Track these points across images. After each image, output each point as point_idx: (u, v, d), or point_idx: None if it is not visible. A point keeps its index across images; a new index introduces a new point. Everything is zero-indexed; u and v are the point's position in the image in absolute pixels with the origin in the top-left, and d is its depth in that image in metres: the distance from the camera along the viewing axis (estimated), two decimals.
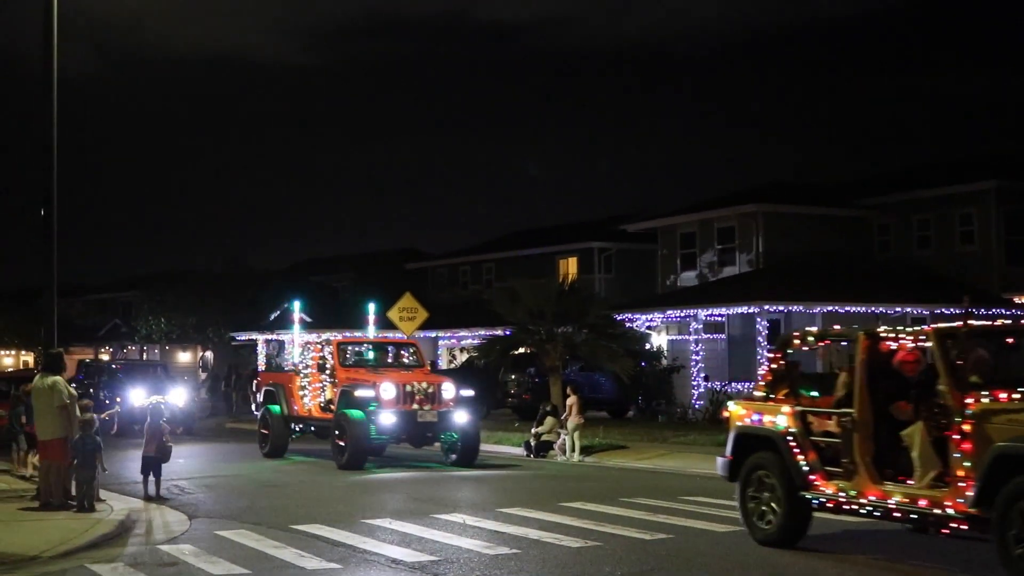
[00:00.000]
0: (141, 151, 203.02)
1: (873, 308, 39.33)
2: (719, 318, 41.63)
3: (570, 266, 55.47)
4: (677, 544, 14.91)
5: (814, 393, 15.46)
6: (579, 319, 35.69)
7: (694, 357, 40.53)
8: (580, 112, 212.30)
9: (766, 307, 38.07)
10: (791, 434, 14.44)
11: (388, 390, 25.73)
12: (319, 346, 28.75)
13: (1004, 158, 48.73)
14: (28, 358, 73.26)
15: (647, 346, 43.12)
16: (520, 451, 29.81)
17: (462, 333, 55.86)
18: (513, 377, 41.91)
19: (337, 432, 25.84)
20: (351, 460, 25.19)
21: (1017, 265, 42.49)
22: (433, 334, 56.32)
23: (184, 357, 70.20)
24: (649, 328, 44.53)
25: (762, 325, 38.00)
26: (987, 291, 40.86)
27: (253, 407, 31.41)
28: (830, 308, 38.84)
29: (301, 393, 28.81)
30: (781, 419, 14.64)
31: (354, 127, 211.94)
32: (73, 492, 18.18)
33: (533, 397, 38.56)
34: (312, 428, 28.82)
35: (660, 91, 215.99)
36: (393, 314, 36.24)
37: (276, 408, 29.30)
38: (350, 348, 29.14)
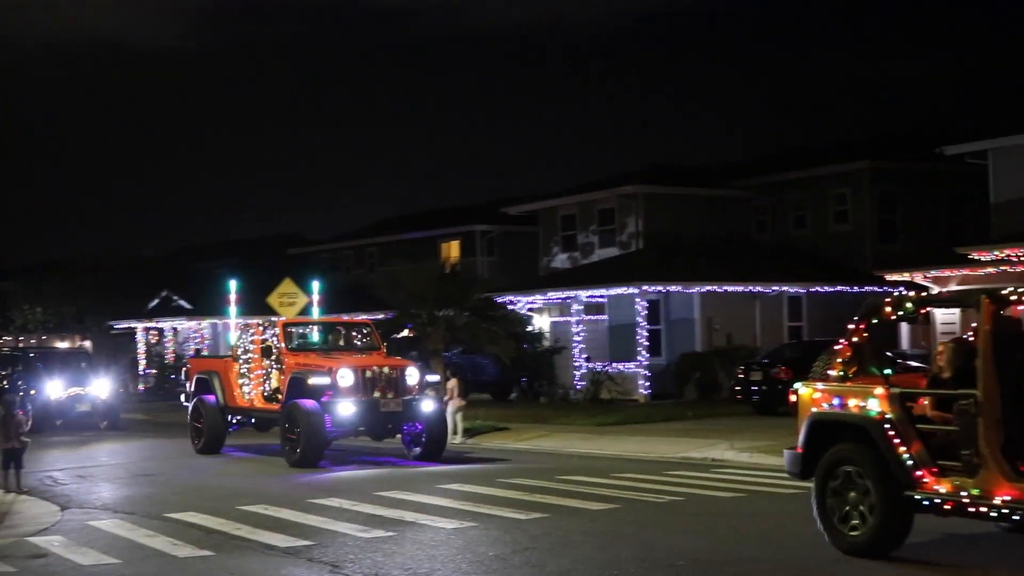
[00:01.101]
0: (16, 138, 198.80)
1: (751, 287, 39.91)
2: (600, 299, 41.94)
3: (452, 249, 55.50)
4: (552, 523, 15.01)
5: (887, 371, 12.91)
6: (460, 302, 35.70)
7: (575, 338, 40.81)
8: (464, 96, 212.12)
9: (645, 287, 38.44)
10: (889, 421, 11.93)
11: (345, 376, 22.89)
12: (260, 328, 25.64)
13: (877, 140, 49.74)
14: None
15: (529, 328, 43.32)
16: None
17: (344, 317, 55.57)
18: None
19: (288, 425, 22.81)
20: (305, 456, 22.29)
21: (889, 243, 43.39)
22: (315, 319, 55.96)
23: (62, 347, 68.94)
24: (531, 310, 44.74)
25: (641, 305, 38.40)
26: (861, 269, 41.68)
27: (183, 398, 28.69)
28: (708, 288, 39.36)
29: (240, 381, 25.89)
30: (873, 403, 12.14)
31: (236, 112, 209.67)
32: None
33: None
34: (252, 420, 26.21)
35: (544, 74, 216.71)
36: (272, 299, 35.88)
37: (211, 398, 26.37)
38: (296, 330, 25.90)
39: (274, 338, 24.82)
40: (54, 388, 35.85)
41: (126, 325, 60.15)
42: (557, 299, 43.41)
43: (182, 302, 57.42)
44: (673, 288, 39.49)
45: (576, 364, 40.23)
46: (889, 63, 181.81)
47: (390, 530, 14.65)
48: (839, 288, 40.50)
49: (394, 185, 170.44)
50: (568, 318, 42.80)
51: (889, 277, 38.34)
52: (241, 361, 25.89)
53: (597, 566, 12.24)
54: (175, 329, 57.87)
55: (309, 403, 22.58)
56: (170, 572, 12.70)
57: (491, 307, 37.87)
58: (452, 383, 28.43)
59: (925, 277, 36.84)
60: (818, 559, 12.27)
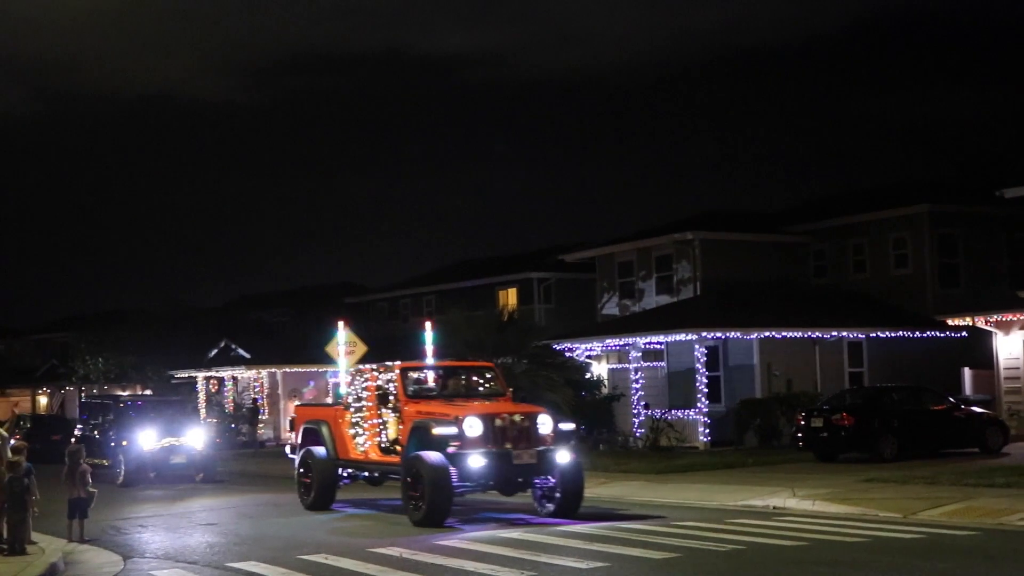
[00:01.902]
0: (78, 190, 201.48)
1: (810, 333, 39.60)
2: (658, 346, 41.77)
3: (510, 297, 55.57)
4: (614, 572, 14.88)
5: None
6: (518, 350, 35.82)
7: (634, 385, 40.62)
8: (518, 143, 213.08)
9: (704, 334, 38.22)
10: None
11: (474, 426, 20.65)
12: (375, 374, 23.35)
13: (936, 182, 49.39)
14: None
15: (587, 375, 43.22)
16: None
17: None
18: None
19: (410, 480, 20.70)
20: (431, 514, 20.18)
21: (950, 287, 43.01)
22: (374, 367, 56.08)
23: (155, 395, 69.53)
24: (589, 357, 44.62)
25: (700, 352, 38.15)
26: (921, 313, 41.29)
27: (288, 449, 26.41)
28: (767, 334, 39.07)
29: (353, 431, 23.63)
30: None
31: (290, 163, 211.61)
32: (4, 535, 17.92)
33: None
34: (366, 474, 23.81)
35: (597, 122, 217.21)
36: (331, 348, 36.04)
37: (320, 450, 24.18)
38: (415, 375, 23.72)
39: (391, 384, 22.53)
40: (147, 439, 33.77)
41: (186, 374, 60.59)
42: (615, 346, 43.28)
43: (241, 351, 57.78)
44: (732, 334, 39.25)
45: (635, 411, 40.02)
46: (947, 104, 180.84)
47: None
48: (900, 333, 40.11)
49: (451, 233, 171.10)
50: (626, 365, 42.65)
51: (950, 321, 37.93)
52: (353, 410, 23.75)
53: None
54: (235, 378, 58.20)
55: (434, 456, 20.39)
56: None
57: (549, 354, 37.88)
58: None
59: (987, 321, 36.41)
60: None
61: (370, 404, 23.13)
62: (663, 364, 42.25)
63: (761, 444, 37.21)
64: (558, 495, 21.30)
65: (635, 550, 16.69)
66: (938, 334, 39.81)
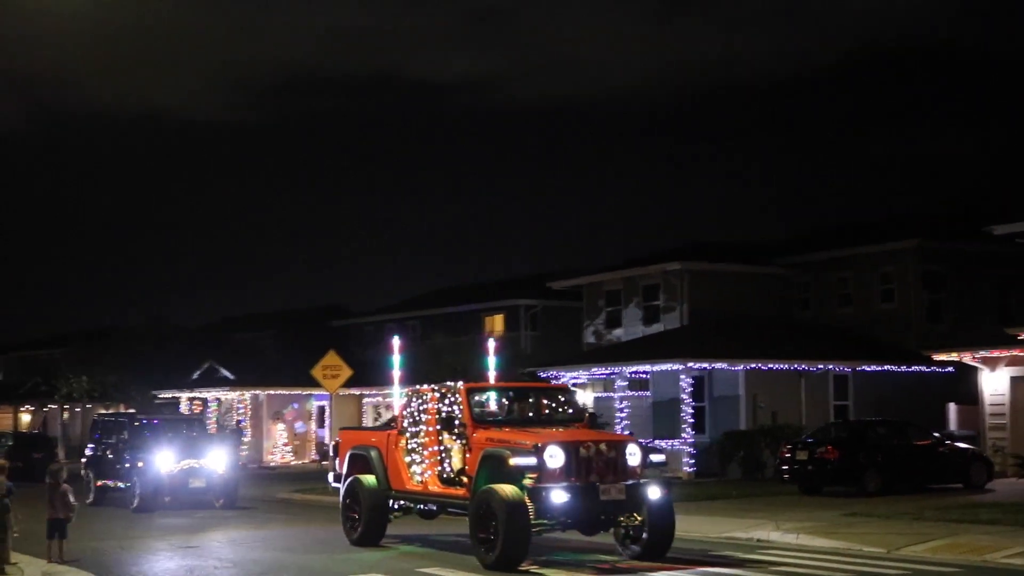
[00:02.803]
0: (63, 207, 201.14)
1: (796, 365, 39.60)
2: (644, 375, 41.75)
3: (496, 323, 55.54)
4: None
5: None
6: (504, 377, 35.64)
7: (619, 414, 40.56)
8: (509, 170, 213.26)
9: (690, 364, 38.20)
10: None
11: (556, 456, 18.02)
12: (436, 395, 20.65)
13: (923, 218, 49.52)
14: None
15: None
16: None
17: (387, 390, 55.68)
18: None
19: (480, 516, 18.10)
20: (506, 557, 17.66)
21: (936, 323, 43.10)
22: (358, 392, 56.14)
23: (171, 413, 69.35)
24: (574, 385, 44.54)
25: (686, 382, 38.13)
26: (908, 349, 41.33)
27: (331, 478, 23.78)
28: (753, 365, 39.06)
29: (409, 459, 21.02)
30: None
31: (278, 185, 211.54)
32: None
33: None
34: (423, 507, 21.28)
35: (588, 150, 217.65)
36: (316, 372, 36.01)
37: (370, 479, 21.68)
38: (482, 396, 21.24)
39: (456, 407, 19.97)
40: (164, 460, 31.22)
41: (170, 394, 60.40)
42: (601, 374, 43.24)
43: (225, 372, 57.63)
44: (718, 365, 39.24)
45: None
46: (936, 140, 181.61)
47: None
48: (886, 367, 40.15)
49: (438, 258, 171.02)
50: (612, 394, 42.60)
51: (936, 356, 37.97)
52: (409, 435, 21.11)
53: None
54: (219, 399, 58.04)
55: (509, 490, 17.76)
56: None
57: (535, 382, 37.77)
58: None
59: (973, 357, 36.44)
60: None
61: (429, 429, 20.44)
62: (648, 393, 42.22)
63: (745, 476, 37.16)
64: (645, 535, 18.71)
65: None
66: (924, 369, 39.84)
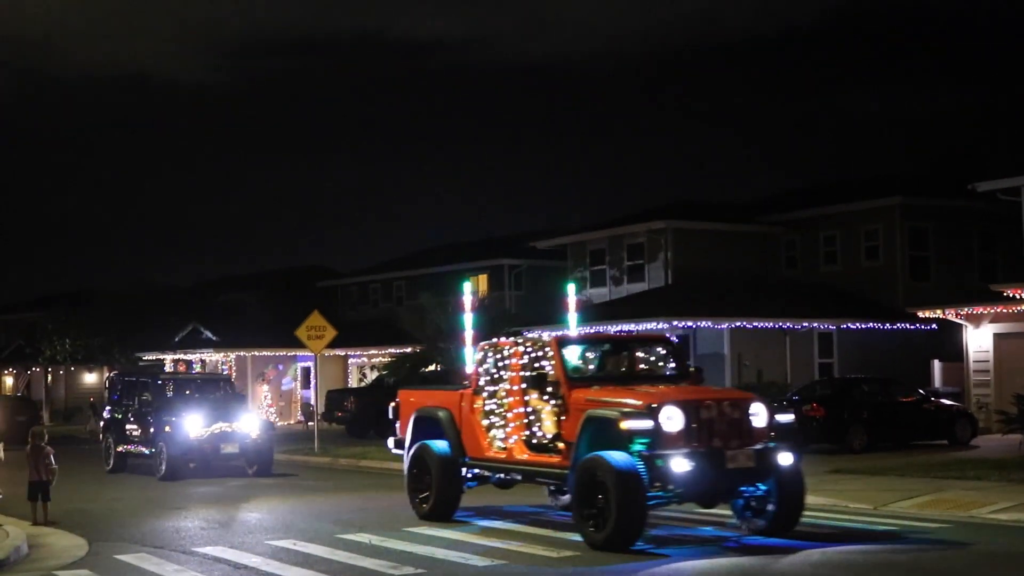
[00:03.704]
0: (45, 168, 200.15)
1: (780, 323, 39.65)
2: (628, 334, 41.70)
3: (480, 283, 55.44)
4: (585, 560, 14.79)
5: None
6: (489, 336, 35.53)
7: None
8: (490, 129, 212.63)
9: (675, 322, 38.21)
10: None
11: (674, 417, 15.65)
12: (520, 349, 18.20)
13: (907, 175, 49.56)
14: None
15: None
16: None
17: (372, 351, 55.74)
18: None
19: (584, 488, 15.73)
20: (619, 535, 15.29)
21: (920, 280, 43.14)
22: (343, 352, 56.15)
23: (91, 378, 69.26)
24: None
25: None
26: (892, 306, 41.40)
27: (391, 443, 21.18)
28: (738, 324, 39.10)
29: (487, 423, 18.59)
30: None
31: (262, 146, 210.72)
32: None
33: None
34: (501, 476, 18.91)
35: (568, 110, 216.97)
36: (301, 332, 35.87)
37: (440, 445, 19.18)
38: (578, 350, 18.63)
39: (547, 363, 17.65)
40: (193, 424, 28.80)
41: (154, 356, 60.28)
42: (586, 334, 43.17)
43: (209, 334, 57.51)
44: (703, 323, 39.25)
45: None
46: (922, 98, 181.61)
47: (419, 567, 14.44)
48: (870, 325, 40.22)
49: (422, 219, 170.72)
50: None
51: (921, 314, 38.01)
52: (487, 395, 18.67)
53: None
54: (203, 361, 57.94)
55: (622, 458, 15.41)
56: None
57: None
58: None
59: (957, 314, 36.48)
60: None
61: (514, 388, 18.04)
62: None
63: None
64: (772, 507, 16.33)
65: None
66: (908, 326, 39.93)
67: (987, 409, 34.95)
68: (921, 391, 33.64)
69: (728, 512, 17.14)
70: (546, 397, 17.43)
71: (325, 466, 31.81)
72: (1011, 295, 33.69)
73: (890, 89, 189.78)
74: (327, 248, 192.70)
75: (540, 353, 17.75)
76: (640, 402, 15.93)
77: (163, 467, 28.44)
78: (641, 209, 51.66)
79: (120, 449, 31.16)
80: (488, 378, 18.66)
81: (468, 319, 22.23)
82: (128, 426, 31.13)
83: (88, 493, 24.97)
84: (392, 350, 50.07)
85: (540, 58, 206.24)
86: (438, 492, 18.99)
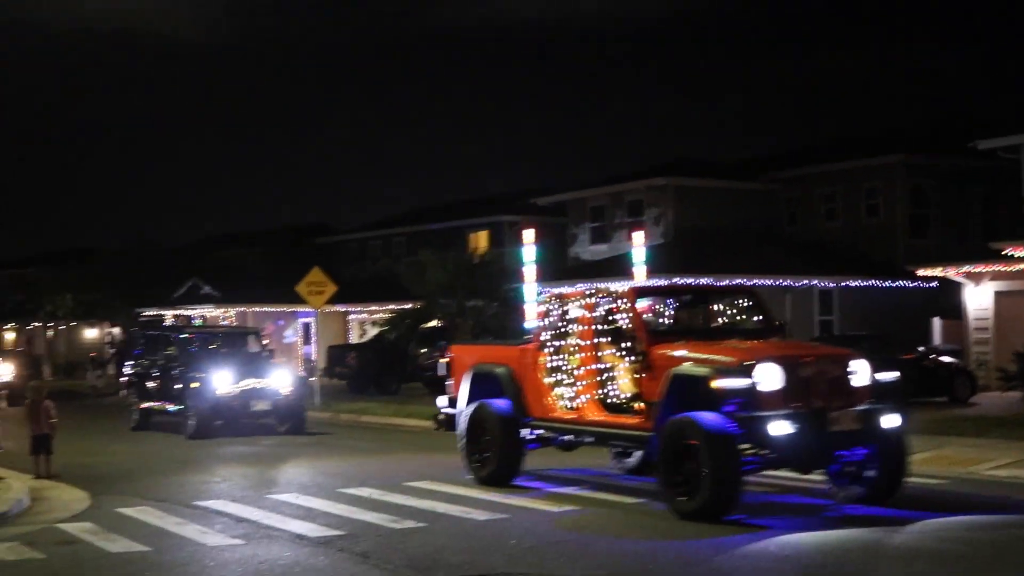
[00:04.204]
0: (42, 125, 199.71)
1: (781, 280, 39.65)
2: None
3: (480, 240, 55.43)
4: (585, 516, 14.84)
5: None
6: (489, 292, 35.66)
7: None
8: (490, 86, 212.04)
9: (675, 279, 38.18)
10: None
11: (772, 375, 14.35)
12: (591, 300, 16.69)
13: (909, 133, 49.44)
14: None
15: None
16: (430, 424, 29.50)
17: (372, 307, 55.79)
18: (424, 351, 41.73)
19: (673, 453, 14.45)
20: (713, 504, 13.99)
21: (921, 238, 43.15)
22: (343, 308, 56.23)
23: (91, 334, 69.40)
24: None
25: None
26: (892, 263, 41.41)
27: (443, 401, 19.59)
28: (739, 280, 39.03)
29: (552, 380, 17.07)
30: None
31: (260, 103, 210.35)
32: None
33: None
34: (565, 438, 17.41)
35: (572, 67, 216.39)
36: (301, 288, 35.83)
37: (501, 404, 17.68)
38: (654, 302, 17.12)
39: (624, 315, 16.13)
40: (222, 380, 27.50)
41: (154, 312, 60.33)
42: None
43: (209, 289, 57.54)
44: (703, 280, 39.22)
45: None
46: (923, 55, 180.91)
47: (420, 521, 14.50)
48: (871, 282, 40.25)
49: (421, 175, 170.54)
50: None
51: (921, 272, 38.01)
52: (551, 350, 17.15)
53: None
54: (203, 317, 58.00)
55: (714, 419, 14.15)
56: (199, 560, 12.59)
57: (520, 297, 37.77)
58: None
59: (957, 272, 36.49)
60: None
61: (586, 342, 16.56)
62: None
63: None
64: (873, 473, 15.12)
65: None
66: (908, 284, 39.96)
67: (986, 367, 35.01)
68: (921, 348, 33.66)
69: (806, 477, 15.97)
70: (622, 353, 15.92)
71: (326, 420, 31.76)
72: (1011, 254, 33.68)
73: (892, 48, 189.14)
74: (327, 205, 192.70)
75: (614, 305, 16.24)
76: (733, 358, 14.67)
77: (191, 425, 27.17)
78: (642, 166, 51.64)
79: (144, 406, 30.11)
80: (553, 332, 17.13)
81: (529, 271, 20.60)
82: (152, 382, 30.02)
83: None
84: (392, 306, 50.08)
85: (543, 16, 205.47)
86: (499, 455, 17.55)
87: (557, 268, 48.84)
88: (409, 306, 45.11)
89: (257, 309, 56.78)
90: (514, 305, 36.33)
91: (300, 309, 53.14)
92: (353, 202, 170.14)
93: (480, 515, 14.90)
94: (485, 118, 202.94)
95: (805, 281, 40.15)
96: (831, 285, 40.67)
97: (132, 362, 32.17)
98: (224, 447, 25.07)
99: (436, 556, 12.31)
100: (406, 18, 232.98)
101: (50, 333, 68.27)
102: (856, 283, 40.37)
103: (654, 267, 39.42)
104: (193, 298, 58.56)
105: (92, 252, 73.10)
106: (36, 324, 68.69)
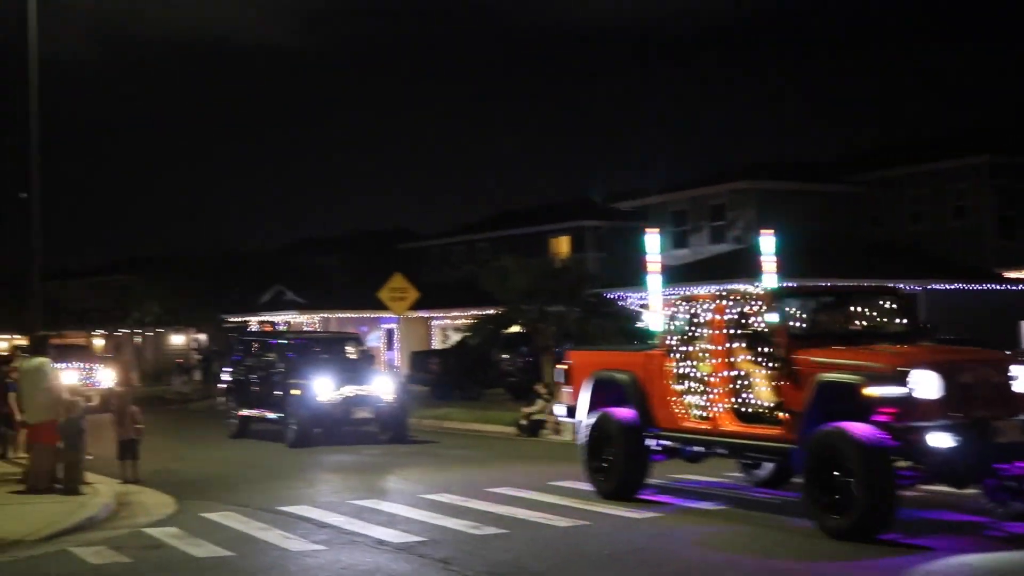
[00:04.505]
0: (133, 134, 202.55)
1: (866, 283, 39.15)
2: None
3: (562, 244, 55.42)
4: (667, 523, 14.77)
5: None
6: (571, 298, 35.52)
7: None
8: (573, 90, 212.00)
9: (757, 284, 37.87)
10: None
11: (927, 382, 13.18)
12: (724, 303, 15.74)
13: (996, 133, 48.72)
14: (22, 342, 73.17)
15: (639, 324, 43.00)
16: (513, 430, 29.58)
17: (455, 313, 55.89)
18: (506, 357, 41.75)
19: (822, 466, 13.42)
20: (866, 521, 13.04)
21: (1009, 239, 42.49)
22: (426, 314, 56.40)
23: (178, 340, 70.23)
24: (641, 306, 44.39)
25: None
26: (980, 266, 40.81)
27: (561, 410, 18.86)
28: (824, 284, 38.67)
29: (682, 388, 16.05)
30: None
31: (345, 108, 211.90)
32: (59, 475, 18.06)
33: (525, 376, 38.44)
34: (696, 449, 16.39)
35: (653, 70, 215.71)
36: (383, 294, 35.97)
37: (625, 414, 16.75)
38: (793, 304, 15.56)
39: (759, 318, 15.18)
40: (323, 387, 26.69)
41: (239, 319, 60.90)
42: (668, 294, 43.00)
43: (293, 296, 57.98)
44: (786, 284, 38.89)
45: None
46: (1008, 53, 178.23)
47: (502, 528, 14.50)
48: (957, 285, 39.67)
49: (502, 180, 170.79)
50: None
51: (1009, 274, 37.45)
52: (680, 355, 16.16)
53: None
54: (288, 323, 58.49)
55: (866, 430, 13.07)
56: (282, 565, 12.69)
57: (601, 303, 37.69)
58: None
59: None
60: None
61: (719, 348, 15.57)
62: None
63: None
64: None
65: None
66: (996, 286, 39.32)
67: None
68: (1008, 352, 33.12)
69: (953, 490, 14.50)
70: (759, 359, 14.93)
71: (410, 426, 31.67)
72: None
73: (976, 44, 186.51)
74: (409, 211, 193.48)
75: (749, 308, 15.31)
76: (885, 364, 13.53)
77: (292, 433, 26.47)
78: (722, 170, 51.31)
79: (243, 413, 29.30)
80: (682, 337, 16.17)
81: (653, 266, 19.42)
82: (252, 389, 29.30)
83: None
84: (475, 312, 50.20)
85: (619, 19, 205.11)
86: (623, 467, 16.65)
87: (639, 273, 48.68)
88: (491, 312, 45.22)
89: (340, 315, 57.09)
90: (596, 309, 36.31)
91: (383, 315, 53.37)
92: (437, 208, 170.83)
93: (562, 522, 14.88)
94: (566, 121, 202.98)
95: (891, 284, 39.62)
96: (917, 288, 40.14)
97: (231, 368, 31.51)
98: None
99: (516, 563, 12.33)
100: (487, 21, 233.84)
101: (138, 339, 69.18)
102: (942, 286, 39.82)
103: (739, 271, 39.34)
104: (277, 304, 59.01)
105: (177, 258, 74.00)
106: (123, 330, 69.66)
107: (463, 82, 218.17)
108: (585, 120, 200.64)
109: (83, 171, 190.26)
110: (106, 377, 37.81)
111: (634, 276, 47.39)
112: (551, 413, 28.13)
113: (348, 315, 56.91)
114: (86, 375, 37.30)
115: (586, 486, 17.29)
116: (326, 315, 56.98)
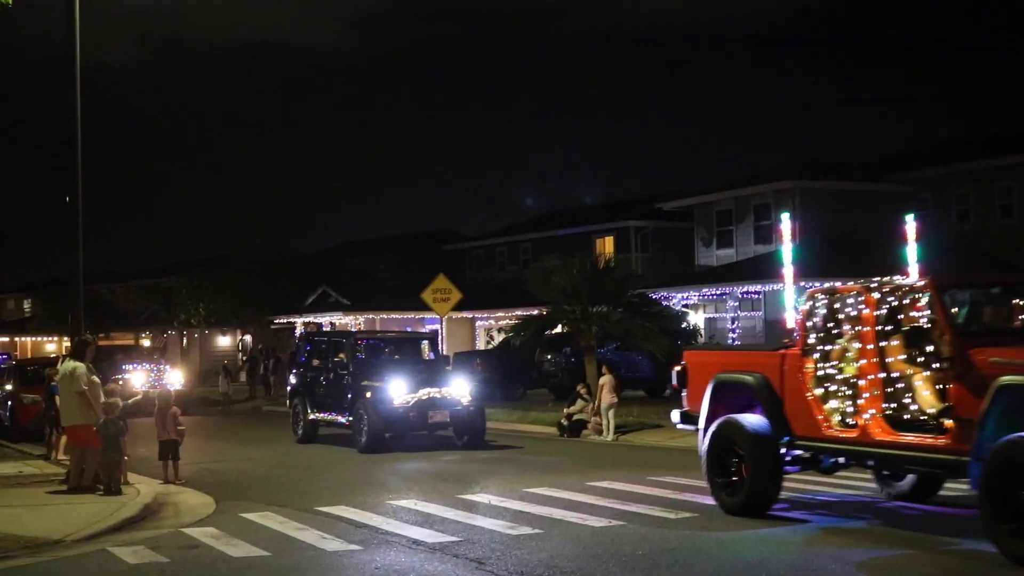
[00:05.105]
0: (182, 138, 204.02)
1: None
2: (755, 295, 41.37)
3: (606, 245, 55.32)
4: (701, 522, 14.71)
5: None
6: (614, 298, 35.42)
7: (731, 335, 40.28)
8: (618, 91, 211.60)
9: (802, 283, 37.68)
10: None
11: None
12: (875, 296, 14.10)
13: None
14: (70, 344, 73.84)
15: (683, 324, 42.91)
16: (554, 431, 29.60)
17: (499, 314, 55.97)
18: (549, 357, 41.73)
19: (1000, 482, 11.69)
20: None
21: None
22: (470, 315, 56.52)
23: (224, 341, 70.65)
24: (685, 306, 44.31)
25: (798, 301, 37.64)
26: None
27: (676, 416, 17.26)
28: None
29: (822, 392, 14.45)
30: None
31: (391, 111, 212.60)
32: (100, 476, 18.22)
33: (568, 377, 38.41)
34: (835, 460, 14.96)
35: (697, 70, 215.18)
36: (427, 295, 36.14)
37: (755, 421, 15.19)
38: (961, 298, 14.09)
39: (919, 313, 13.73)
40: (397, 389, 25.56)
41: (285, 319, 61.19)
42: (712, 295, 42.95)
43: (339, 297, 58.21)
44: (831, 284, 38.68)
45: None
46: None
47: (537, 527, 14.49)
48: None
49: (546, 181, 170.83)
50: (723, 314, 42.30)
51: None
52: (819, 356, 14.62)
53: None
54: (333, 324, 58.74)
55: None
56: (317, 565, 12.73)
57: (645, 303, 37.56)
58: (605, 379, 28.31)
59: None
60: None
61: (866, 346, 13.94)
62: (760, 313, 41.81)
63: None
64: None
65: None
66: None
67: None
68: None
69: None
70: (918, 358, 13.48)
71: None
72: None
73: (1017, 46, 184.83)
74: (453, 212, 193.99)
75: (907, 301, 13.84)
76: None
77: (364, 438, 25.37)
78: (767, 169, 51.09)
79: (311, 416, 28.23)
80: (822, 333, 14.64)
81: (787, 251, 18.09)
82: (320, 391, 28.25)
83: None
84: (519, 312, 50.22)
85: (665, 20, 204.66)
86: (754, 481, 14.91)
87: (684, 273, 48.57)
88: (535, 312, 45.21)
89: (385, 316, 57.31)
90: (640, 310, 36.21)
91: (428, 316, 53.55)
92: (481, 209, 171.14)
93: (596, 522, 14.85)
94: (611, 123, 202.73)
95: None
96: None
97: (298, 370, 30.43)
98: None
99: (550, 563, 12.30)
100: (533, 26, 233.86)
101: (184, 341, 69.68)
102: None
103: (780, 271, 39.14)
104: (323, 306, 59.28)
105: (225, 260, 74.47)
106: (170, 332, 70.19)
107: (505, 82, 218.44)
108: (628, 119, 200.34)
109: (134, 174, 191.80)
110: (151, 378, 38.11)
111: (678, 276, 47.37)
112: (594, 413, 28.22)
113: (393, 316, 57.11)
114: (134, 375, 37.44)
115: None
116: (371, 316, 57.20)
